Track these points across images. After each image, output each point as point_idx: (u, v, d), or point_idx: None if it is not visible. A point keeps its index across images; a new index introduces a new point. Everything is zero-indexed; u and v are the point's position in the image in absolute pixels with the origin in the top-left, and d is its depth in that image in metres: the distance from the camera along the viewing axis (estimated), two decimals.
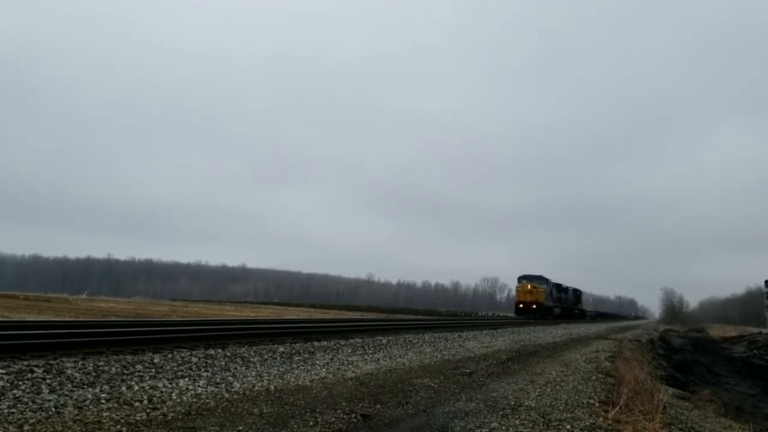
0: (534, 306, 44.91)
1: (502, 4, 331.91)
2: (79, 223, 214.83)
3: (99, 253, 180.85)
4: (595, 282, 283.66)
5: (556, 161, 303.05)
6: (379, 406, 6.02)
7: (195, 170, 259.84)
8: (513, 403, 6.79)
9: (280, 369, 7.97)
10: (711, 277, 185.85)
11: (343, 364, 9.09)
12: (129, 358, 7.22)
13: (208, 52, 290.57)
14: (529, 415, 6.13)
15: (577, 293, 64.72)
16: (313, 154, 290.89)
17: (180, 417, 5.03)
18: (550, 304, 47.90)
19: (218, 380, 6.78)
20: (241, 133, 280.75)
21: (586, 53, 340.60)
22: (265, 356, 8.73)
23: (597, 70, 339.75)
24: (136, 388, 5.90)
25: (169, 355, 7.77)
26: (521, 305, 45.61)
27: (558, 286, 53.20)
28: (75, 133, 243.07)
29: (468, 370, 9.48)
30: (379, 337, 13.21)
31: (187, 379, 6.64)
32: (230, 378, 6.99)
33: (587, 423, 6.05)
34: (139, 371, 6.57)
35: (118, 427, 4.54)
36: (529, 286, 45.75)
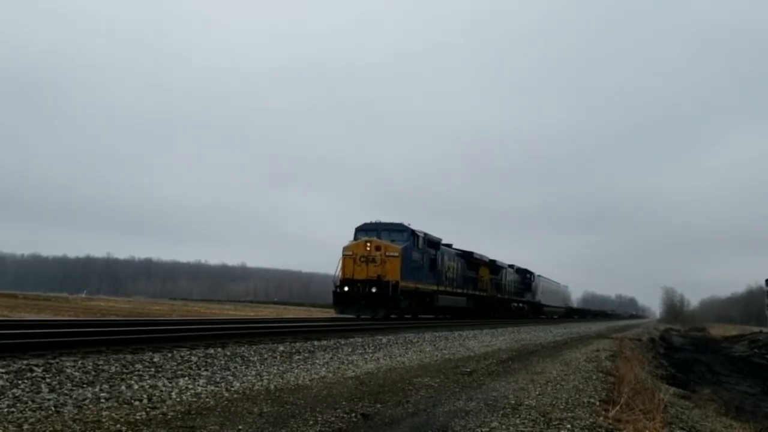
0: (374, 289, 20.63)
1: (514, 9, 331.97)
2: (78, 223, 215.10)
3: (98, 252, 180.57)
4: (596, 281, 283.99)
5: (560, 162, 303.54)
6: (379, 406, 6.00)
7: (195, 170, 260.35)
8: (513, 402, 6.77)
9: (280, 368, 7.96)
10: (712, 277, 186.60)
11: (343, 363, 9.07)
12: (128, 357, 7.20)
13: (215, 54, 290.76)
14: (530, 414, 6.11)
15: (525, 277, 43.05)
16: (313, 154, 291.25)
17: (180, 416, 5.01)
18: (429, 285, 23.88)
19: (218, 379, 6.77)
20: (243, 134, 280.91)
21: (595, 56, 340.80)
22: (265, 355, 8.71)
23: (606, 73, 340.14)
24: (136, 387, 5.89)
25: (169, 355, 7.75)
26: (346, 287, 21.09)
27: (464, 258, 28.89)
28: (76, 133, 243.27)
29: (468, 369, 9.47)
30: (379, 337, 13.19)
31: (186, 378, 6.62)
32: (230, 377, 6.97)
33: (588, 422, 6.03)
34: (138, 370, 6.56)
35: (118, 426, 4.53)
36: (368, 246, 21.46)
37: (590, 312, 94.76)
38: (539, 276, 48.43)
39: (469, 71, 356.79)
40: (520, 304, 41.58)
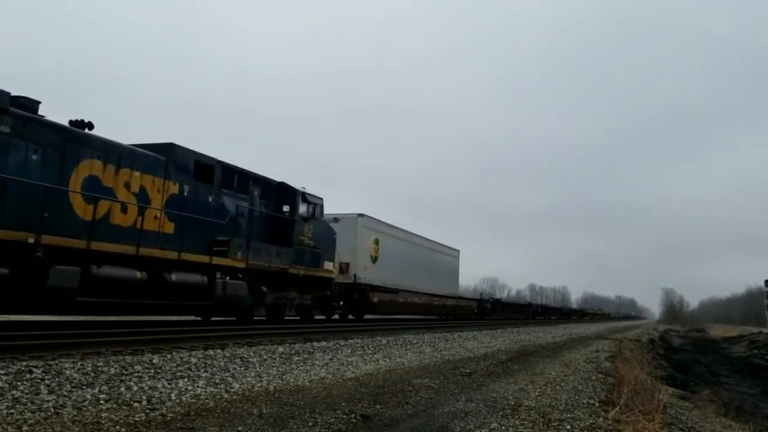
0: None
1: (520, 9, 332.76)
2: None
3: None
4: (596, 282, 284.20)
5: (560, 163, 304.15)
6: (378, 407, 6.00)
7: None
8: (513, 403, 6.77)
9: (280, 369, 7.95)
10: (711, 277, 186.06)
11: (342, 364, 9.07)
12: (128, 358, 7.20)
13: (230, 62, 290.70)
14: (529, 415, 6.12)
15: (280, 201, 15.04)
16: (316, 155, 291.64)
17: (179, 417, 5.01)
18: None
19: (217, 381, 6.76)
20: (248, 138, 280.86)
21: (597, 56, 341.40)
22: (265, 357, 8.71)
23: (609, 74, 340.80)
24: (135, 388, 5.88)
25: (168, 356, 7.76)
26: None
27: None
28: None
29: (468, 371, 9.47)
30: (379, 338, 13.19)
31: (186, 379, 6.62)
32: (229, 378, 6.97)
33: (587, 423, 6.03)
34: (138, 372, 6.56)
35: (117, 427, 4.52)
36: None
37: (554, 309, 64.55)
38: (355, 217, 21.26)
39: (469, 72, 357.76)
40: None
